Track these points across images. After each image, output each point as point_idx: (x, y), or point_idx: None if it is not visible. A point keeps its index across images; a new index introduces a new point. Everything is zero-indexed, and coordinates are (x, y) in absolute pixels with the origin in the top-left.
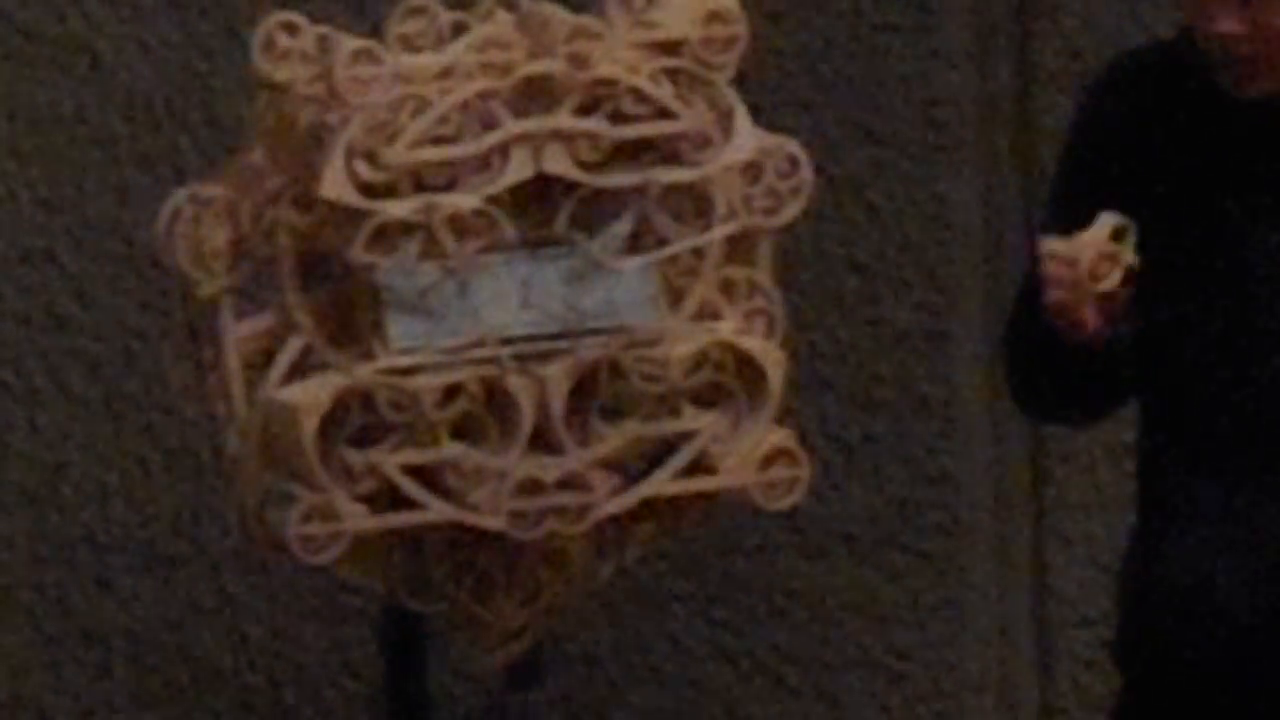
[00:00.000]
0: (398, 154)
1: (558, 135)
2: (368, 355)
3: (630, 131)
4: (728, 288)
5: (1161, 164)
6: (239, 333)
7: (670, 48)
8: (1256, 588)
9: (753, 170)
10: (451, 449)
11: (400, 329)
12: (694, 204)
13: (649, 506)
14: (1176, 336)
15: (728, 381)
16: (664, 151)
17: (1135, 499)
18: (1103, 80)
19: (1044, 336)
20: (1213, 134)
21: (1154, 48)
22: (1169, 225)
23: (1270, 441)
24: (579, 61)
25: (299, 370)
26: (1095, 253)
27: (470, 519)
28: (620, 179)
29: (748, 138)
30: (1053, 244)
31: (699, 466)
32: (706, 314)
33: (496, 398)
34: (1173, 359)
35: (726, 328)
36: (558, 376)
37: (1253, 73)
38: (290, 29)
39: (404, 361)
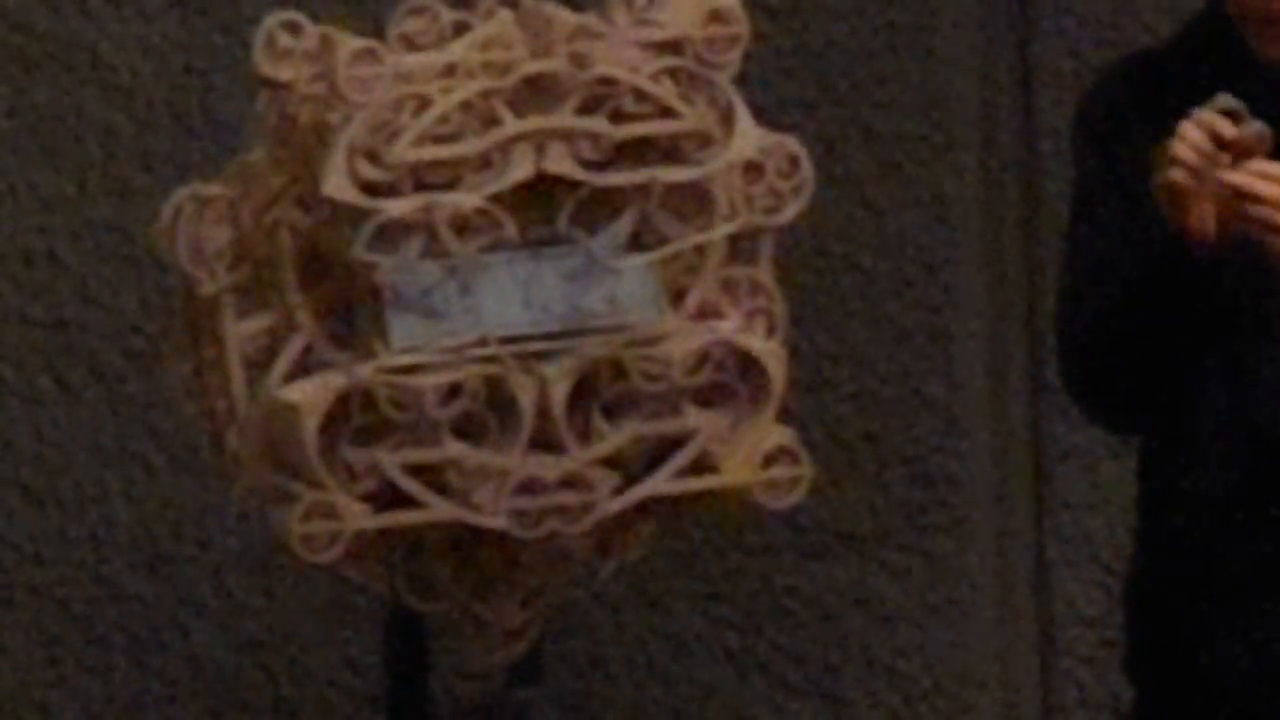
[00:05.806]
0: (399, 153)
1: (559, 134)
2: (369, 354)
3: (632, 130)
4: (729, 287)
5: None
6: (240, 332)
7: (672, 47)
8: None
9: (754, 169)
10: (453, 448)
11: (401, 328)
12: (695, 203)
13: (650, 505)
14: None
15: (729, 381)
16: (665, 151)
17: (1136, 499)
18: (1096, 90)
19: (1144, 264)
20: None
21: (1138, 55)
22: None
23: None
24: (580, 60)
25: (300, 369)
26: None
27: (471, 518)
28: (622, 178)
29: (749, 137)
30: (1187, 124)
31: (700, 465)
32: (708, 313)
33: (498, 397)
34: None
35: (728, 327)
36: (559, 375)
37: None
38: (292, 28)
39: (405, 360)
